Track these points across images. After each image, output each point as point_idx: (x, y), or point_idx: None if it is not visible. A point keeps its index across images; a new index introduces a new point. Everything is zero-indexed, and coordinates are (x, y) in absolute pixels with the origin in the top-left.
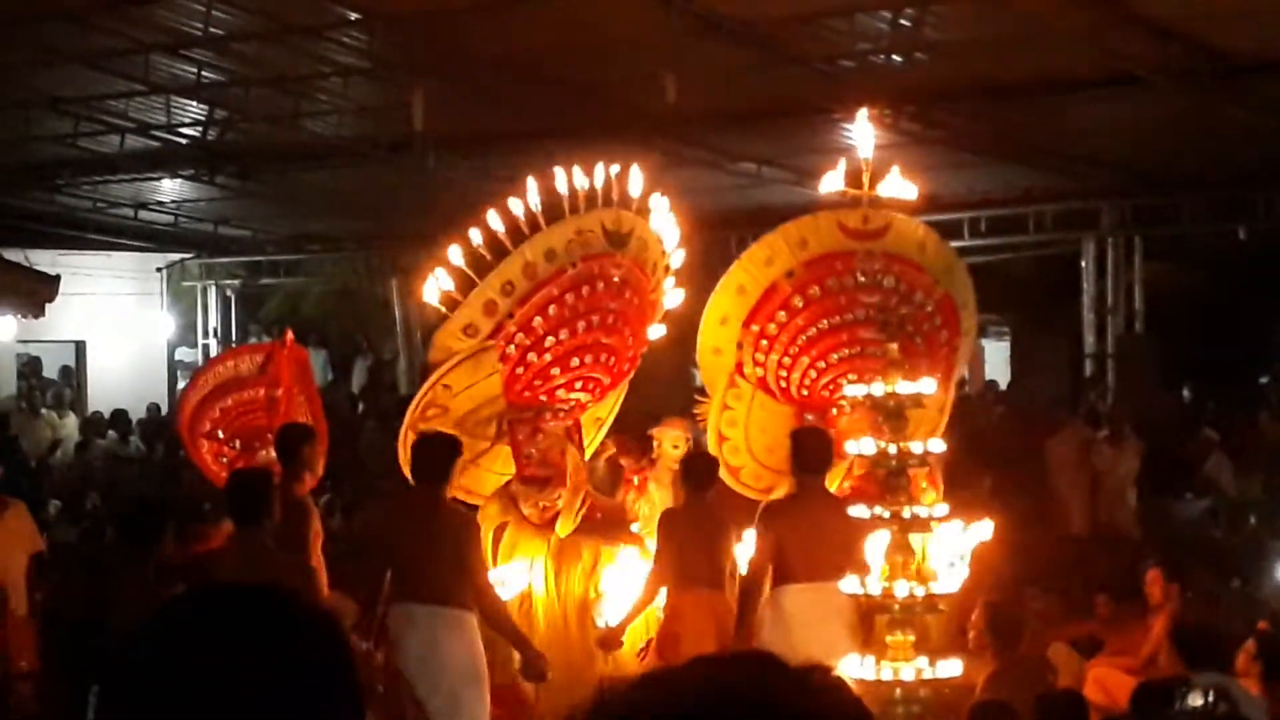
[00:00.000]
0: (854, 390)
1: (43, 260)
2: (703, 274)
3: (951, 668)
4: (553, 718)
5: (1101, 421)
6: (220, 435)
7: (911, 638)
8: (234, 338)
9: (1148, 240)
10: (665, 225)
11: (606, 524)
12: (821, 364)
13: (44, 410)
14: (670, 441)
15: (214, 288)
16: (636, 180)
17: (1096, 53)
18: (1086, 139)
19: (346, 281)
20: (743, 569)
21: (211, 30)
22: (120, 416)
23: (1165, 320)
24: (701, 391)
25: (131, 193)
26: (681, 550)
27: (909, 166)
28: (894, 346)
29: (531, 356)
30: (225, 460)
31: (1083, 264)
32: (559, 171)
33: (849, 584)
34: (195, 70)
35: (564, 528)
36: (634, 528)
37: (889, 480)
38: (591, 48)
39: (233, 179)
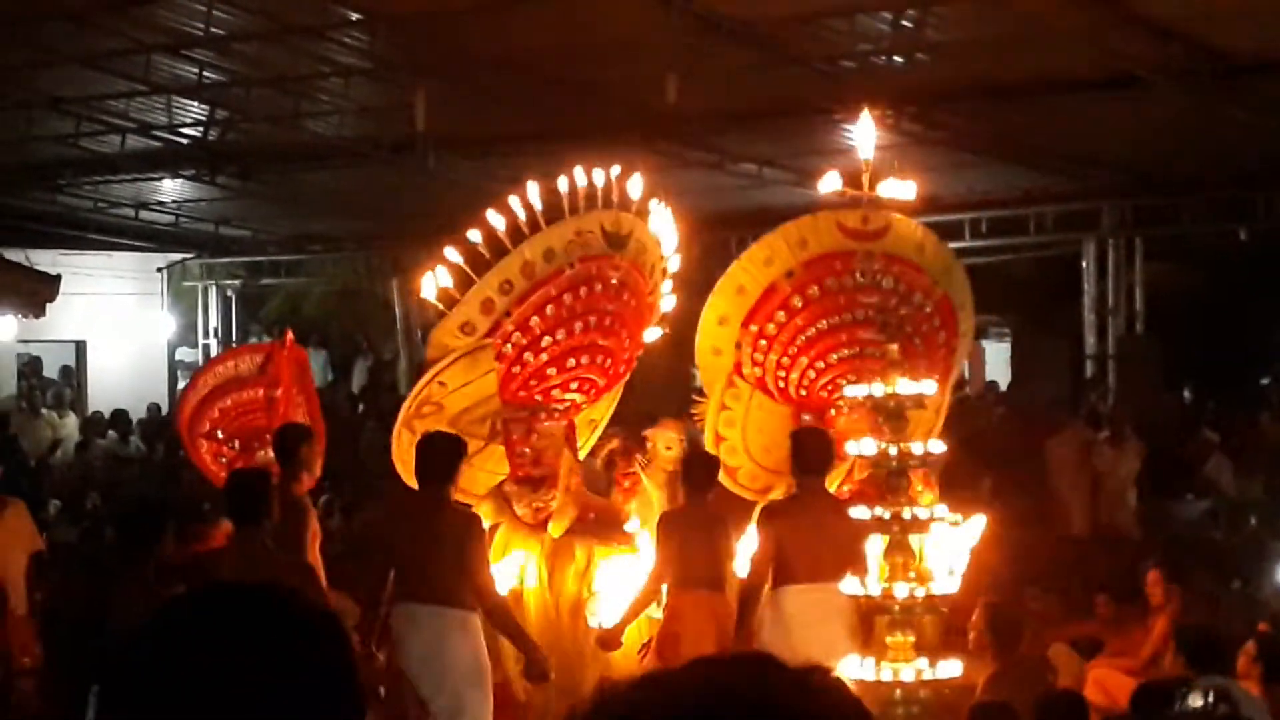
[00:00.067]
0: (855, 391)
1: (43, 260)
2: (703, 275)
3: (951, 668)
4: (544, 718)
5: (1102, 422)
6: (219, 435)
7: (911, 638)
8: (235, 338)
9: (1148, 241)
10: (664, 228)
11: (600, 524)
12: (820, 364)
13: (44, 410)
14: (664, 442)
15: (215, 288)
16: (636, 183)
17: (1097, 53)
18: (1087, 140)
19: (347, 282)
20: (741, 570)
21: (213, 30)
22: (120, 416)
23: (1166, 321)
24: (699, 392)
25: (132, 193)
26: (682, 551)
27: (910, 167)
28: (894, 347)
29: (528, 356)
30: (224, 460)
31: (1083, 265)
32: (563, 173)
33: (849, 585)
34: (196, 70)
35: (557, 528)
36: (627, 527)
37: (889, 481)
38: (593, 49)
39: (234, 179)
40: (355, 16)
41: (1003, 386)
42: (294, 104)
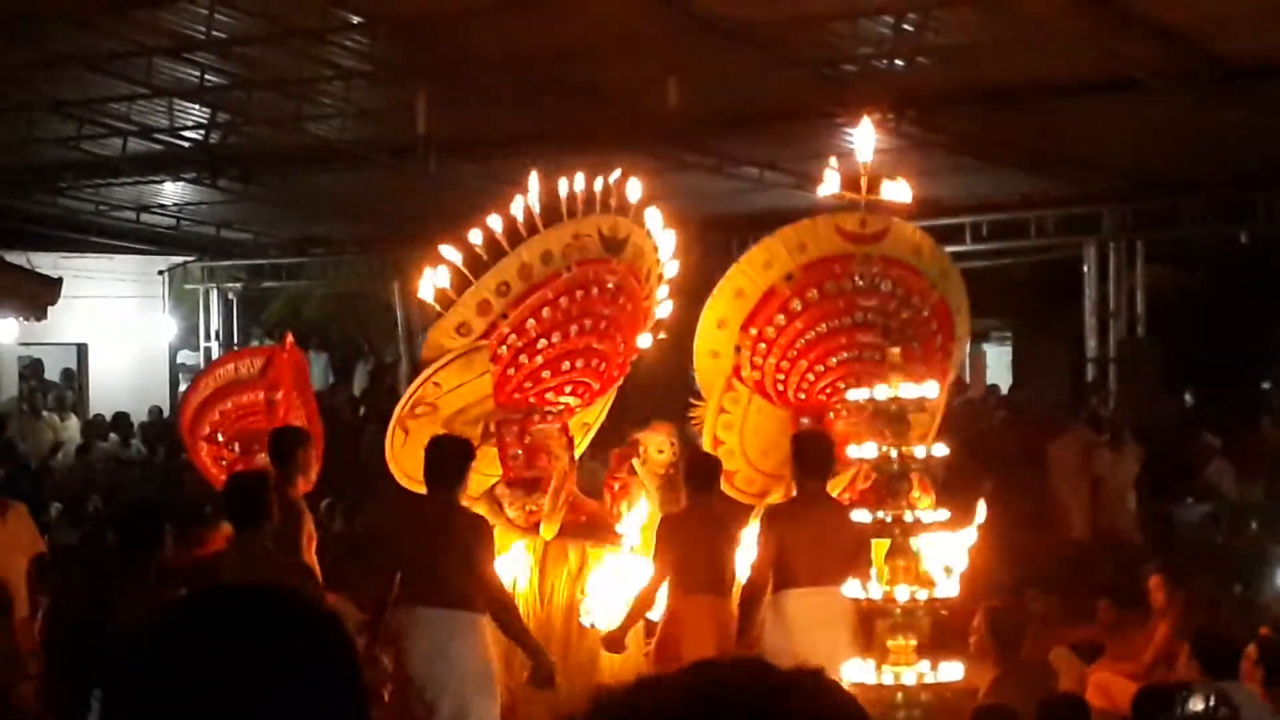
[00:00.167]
0: (856, 395)
1: (45, 263)
2: (704, 278)
3: (953, 672)
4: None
5: (1103, 426)
6: (220, 438)
7: (913, 642)
8: (236, 341)
9: (1149, 244)
10: (661, 234)
11: (592, 526)
12: (820, 367)
13: (46, 413)
14: (655, 446)
15: (216, 291)
16: (635, 187)
17: (1097, 56)
18: (1087, 143)
19: (348, 285)
20: (740, 573)
21: (214, 33)
22: (122, 419)
23: (1167, 324)
24: (697, 395)
25: (134, 196)
26: (683, 554)
27: (910, 171)
28: (896, 351)
29: (523, 358)
30: (225, 463)
31: (1084, 268)
32: (562, 176)
33: (851, 588)
34: (198, 73)
35: (549, 530)
36: (618, 528)
37: (890, 484)
38: (594, 52)
39: (235, 182)
40: (356, 19)
41: (1003, 390)
42: (295, 107)
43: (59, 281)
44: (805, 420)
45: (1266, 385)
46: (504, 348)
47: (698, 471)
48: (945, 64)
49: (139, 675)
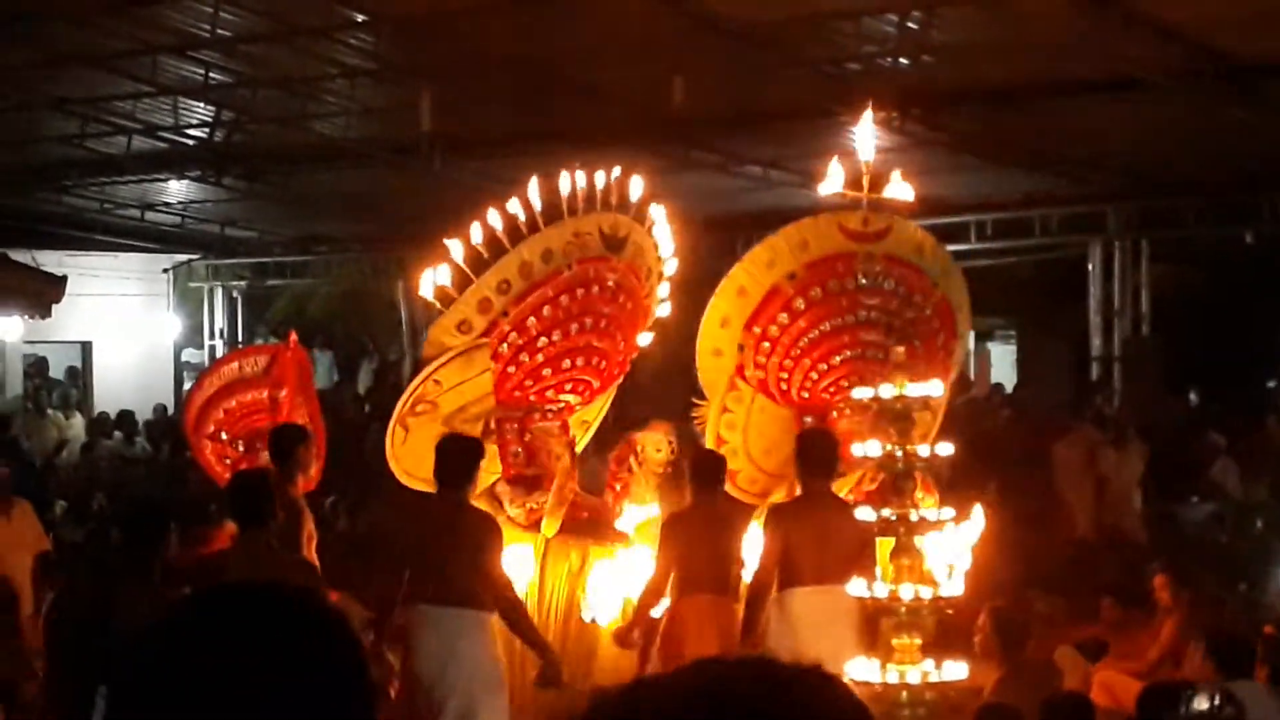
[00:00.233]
0: (861, 393)
1: (49, 261)
2: (708, 277)
3: (957, 671)
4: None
5: (1107, 425)
6: (224, 436)
7: (918, 641)
8: (240, 339)
9: (1153, 243)
10: (662, 232)
11: (593, 524)
12: (823, 366)
13: (50, 410)
14: (653, 445)
15: (220, 289)
16: (636, 185)
17: (1100, 56)
18: (1091, 142)
19: (353, 283)
20: (745, 572)
21: (219, 31)
22: (126, 417)
23: (1171, 323)
24: (699, 394)
25: (138, 194)
26: (687, 553)
27: (914, 170)
28: (900, 350)
29: (523, 356)
30: (229, 461)
31: (1089, 267)
32: (563, 174)
33: (855, 587)
34: (202, 71)
35: (549, 528)
36: (618, 525)
37: (895, 483)
38: (599, 50)
39: (239, 180)
40: (361, 18)
41: (1008, 389)
42: (300, 105)
43: (64, 279)
44: (809, 419)
45: (1271, 384)
46: (505, 345)
47: (703, 470)
48: (949, 63)
49: (144, 673)
